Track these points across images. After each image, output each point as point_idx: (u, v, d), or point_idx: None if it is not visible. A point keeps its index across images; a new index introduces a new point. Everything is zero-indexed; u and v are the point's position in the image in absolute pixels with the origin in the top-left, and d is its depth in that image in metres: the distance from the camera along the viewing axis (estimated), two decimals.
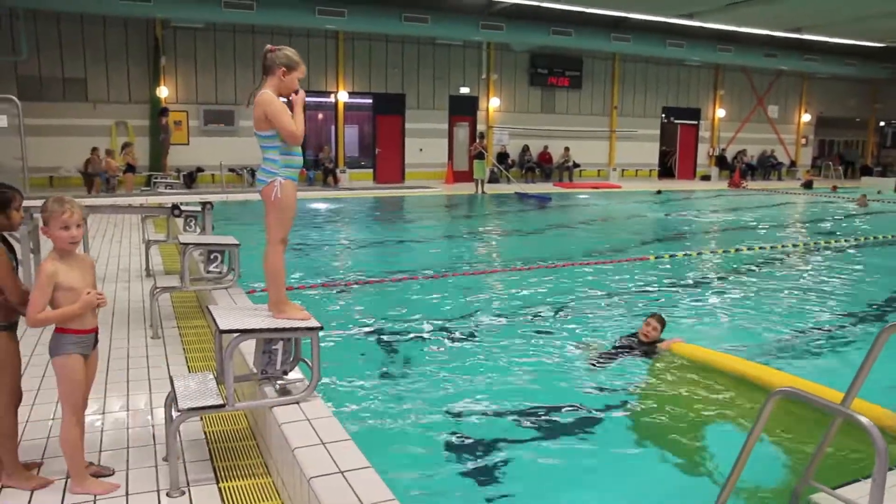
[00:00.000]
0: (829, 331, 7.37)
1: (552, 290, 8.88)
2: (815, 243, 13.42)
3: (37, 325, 3.33)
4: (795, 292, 9.15)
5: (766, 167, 31.06)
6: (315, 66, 22.24)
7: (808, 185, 26.70)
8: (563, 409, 4.94)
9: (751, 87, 30.50)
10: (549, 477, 4.11)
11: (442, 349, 5.89)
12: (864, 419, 2.43)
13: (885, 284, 9.74)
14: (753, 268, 10.77)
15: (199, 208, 8.57)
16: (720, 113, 29.89)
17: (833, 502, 3.25)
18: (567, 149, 26.15)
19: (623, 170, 27.83)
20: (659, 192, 23.75)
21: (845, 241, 13.76)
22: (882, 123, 35.03)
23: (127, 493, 3.44)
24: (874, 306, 8.52)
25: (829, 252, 12.52)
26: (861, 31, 25.43)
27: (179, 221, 9.38)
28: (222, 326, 3.55)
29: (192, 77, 20.82)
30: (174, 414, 3.51)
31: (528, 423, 4.56)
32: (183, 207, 8.72)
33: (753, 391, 5.26)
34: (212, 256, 6.65)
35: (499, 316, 7.58)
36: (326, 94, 22.73)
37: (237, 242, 6.60)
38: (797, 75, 31.04)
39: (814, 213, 19.53)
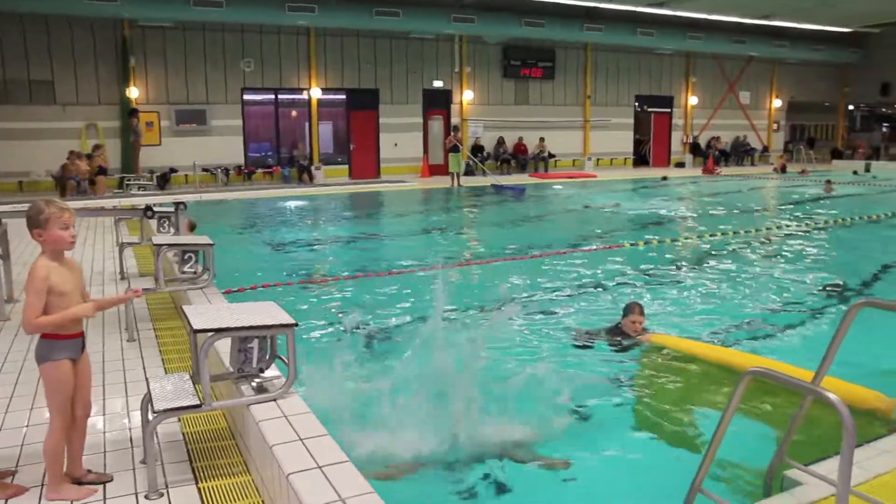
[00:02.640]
0: (806, 312, 7.48)
1: (530, 280, 8.91)
2: (786, 226, 13.60)
3: (35, 330, 3.29)
4: (770, 276, 9.27)
5: (740, 153, 31.36)
6: (287, 63, 22.09)
7: (782, 170, 27.07)
8: (545, 399, 4.97)
9: (722, 73, 30.75)
10: (531, 466, 4.13)
11: (420, 342, 5.89)
12: (831, 396, 2.47)
13: (853, 264, 9.90)
14: (728, 253, 10.88)
15: (172, 209, 8.48)
16: (693, 100, 30.12)
17: (806, 478, 3.32)
18: (542, 139, 26.22)
19: (598, 159, 27.96)
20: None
21: (815, 224, 13.96)
22: (851, 107, 35.49)
23: (105, 498, 3.41)
24: (845, 286, 8.66)
25: (799, 235, 12.69)
26: (828, 17, 25.81)
27: (153, 223, 9.29)
28: (196, 326, 3.53)
29: (162, 77, 20.58)
30: (150, 416, 3.49)
31: (508, 414, 4.58)
32: (156, 208, 8.63)
33: (730, 376, 5.33)
34: (186, 257, 6.60)
35: (477, 308, 7.59)
36: (299, 90, 22.58)
37: (211, 242, 6.55)
38: (767, 61, 31.34)
39: (785, 197, 19.79)
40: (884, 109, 35.22)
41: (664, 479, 3.93)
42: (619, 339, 6.25)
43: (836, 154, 32.70)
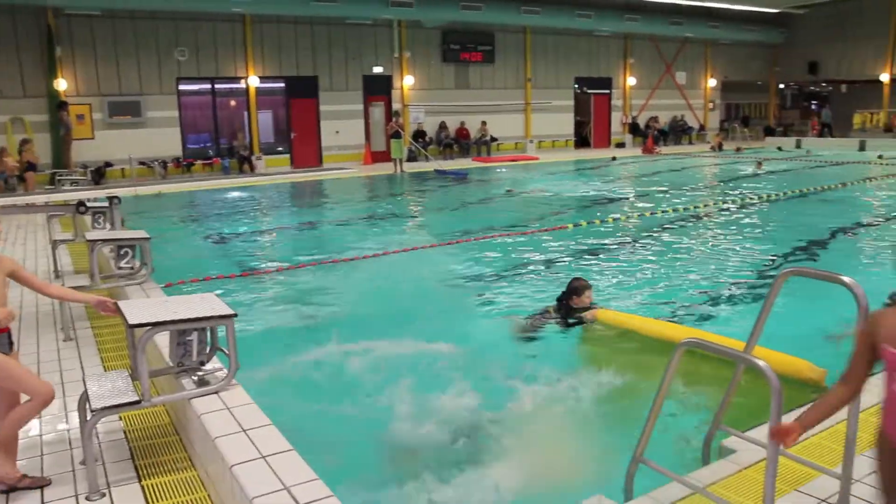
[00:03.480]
0: (743, 285, 7.71)
1: (475, 263, 8.97)
2: (722, 203, 13.97)
3: None
4: (709, 251, 9.53)
5: (677, 132, 32.01)
6: (223, 52, 21.58)
7: (719, 148, 27.80)
8: (493, 380, 5.01)
9: (659, 55, 31.26)
10: (477, 446, 4.17)
11: (365, 329, 5.89)
12: (760, 362, 2.56)
13: (785, 237, 10.23)
14: (668, 230, 11.13)
15: (106, 204, 8.25)
16: (631, 81, 30.55)
17: (742, 444, 3.44)
18: (484, 123, 26.28)
19: (540, 141, 28.19)
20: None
21: (750, 199, 14.39)
22: (782, 86, 36.51)
23: (43, 501, 3.33)
24: (779, 258, 8.96)
25: (734, 210, 13.05)
26: None
27: (87, 219, 9.03)
28: (131, 321, 3.45)
29: (92, 67, 19.86)
30: (88, 415, 3.41)
31: (454, 396, 4.62)
32: (89, 203, 8.39)
33: (670, 349, 5.44)
34: (122, 252, 6.45)
35: (423, 292, 7.61)
36: (237, 79, 22.10)
37: (148, 236, 6.41)
38: (702, 42, 31.98)
39: (722, 174, 20.31)
40: (812, 87, 36.36)
41: (608, 452, 4.02)
42: (565, 315, 6.31)
43: (769, 131, 33.64)
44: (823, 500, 3.00)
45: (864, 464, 3.24)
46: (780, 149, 27.64)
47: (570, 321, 6.24)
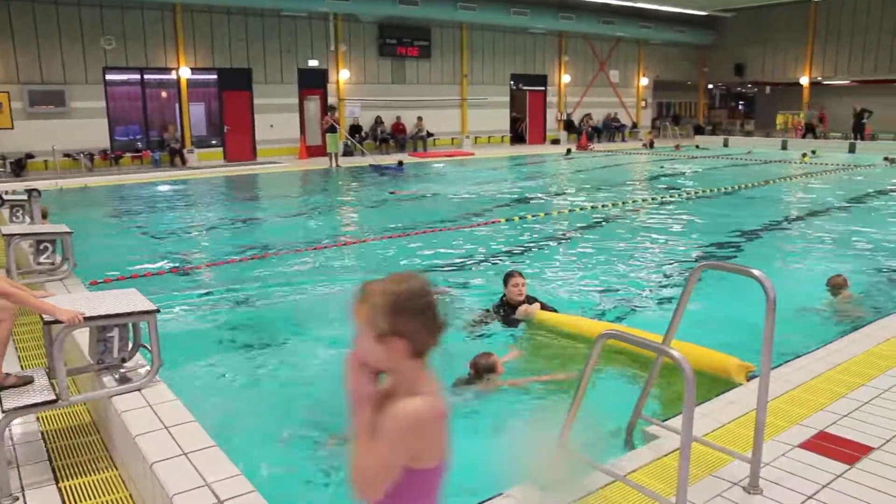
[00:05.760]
0: (672, 281, 7.92)
1: (409, 257, 8.97)
2: (652, 198, 14.34)
3: None
4: (639, 246, 9.76)
5: (611, 129, 32.66)
6: (152, 41, 20.96)
7: (651, 145, 28.50)
8: None
9: (593, 53, 31.83)
10: None
11: (292, 325, 5.83)
12: (674, 353, 2.65)
13: (709, 232, 10.57)
14: (601, 225, 11.36)
15: (25, 197, 7.94)
16: (566, 79, 31.02)
17: (662, 432, 3.56)
18: (420, 118, 26.28)
19: (476, 137, 28.36)
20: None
21: (679, 195, 14.82)
22: (710, 86, 37.66)
23: None
24: (701, 252, 9.26)
25: (661, 206, 13.42)
26: (687, 0, 27.31)
27: (5, 212, 8.69)
28: (47, 317, 3.34)
29: (9, 54, 19.00)
30: (0, 416, 3.29)
31: None
32: (6, 197, 8.07)
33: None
34: (42, 247, 6.23)
35: (353, 287, 7.55)
36: (167, 70, 21.51)
37: (69, 230, 6.21)
38: (634, 42, 32.71)
39: (649, 171, 20.83)
40: (738, 88, 37.61)
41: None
42: (504, 311, 6.31)
43: (699, 130, 34.66)
44: (736, 483, 3.13)
45: (773, 449, 3.40)
46: (697, 147, 28.87)
47: (509, 314, 6.25)
